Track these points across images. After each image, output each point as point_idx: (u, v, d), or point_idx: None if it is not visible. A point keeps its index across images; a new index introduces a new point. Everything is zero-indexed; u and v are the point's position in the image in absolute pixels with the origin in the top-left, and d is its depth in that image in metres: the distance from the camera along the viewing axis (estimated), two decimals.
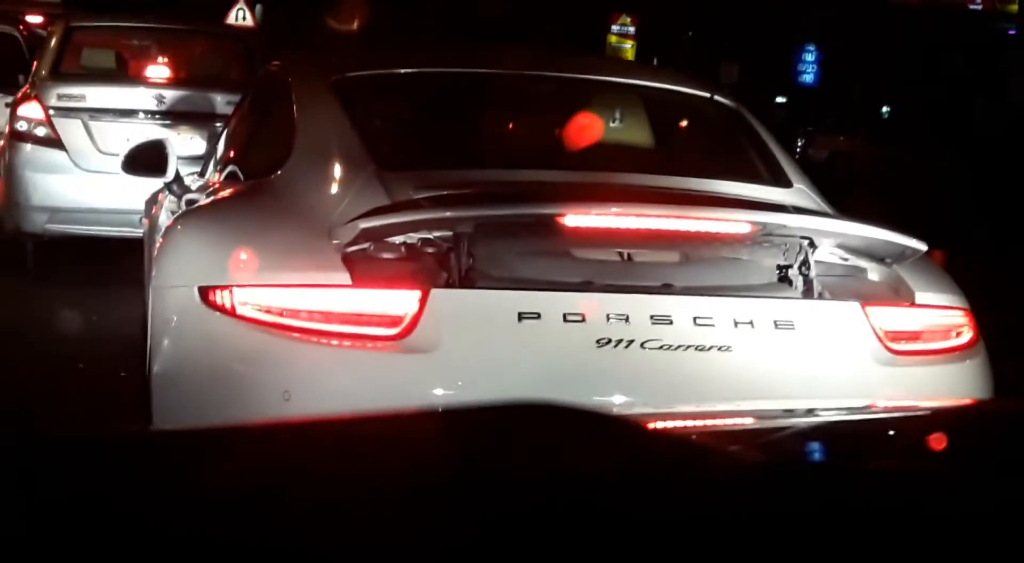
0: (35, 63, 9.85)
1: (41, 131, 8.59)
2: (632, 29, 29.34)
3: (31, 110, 8.68)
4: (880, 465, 1.50)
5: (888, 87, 21.37)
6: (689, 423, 1.89)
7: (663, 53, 26.09)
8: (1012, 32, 21.48)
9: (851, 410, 2.25)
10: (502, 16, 25.23)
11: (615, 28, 29.59)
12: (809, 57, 26.57)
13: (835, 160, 19.88)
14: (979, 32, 22.29)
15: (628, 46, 29.24)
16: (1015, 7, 23.17)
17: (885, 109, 21.77)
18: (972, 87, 20.12)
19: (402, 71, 4.68)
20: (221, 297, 3.45)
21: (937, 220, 11.45)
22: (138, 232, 6.31)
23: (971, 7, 25.10)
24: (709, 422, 1.92)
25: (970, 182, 15.95)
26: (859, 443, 1.69)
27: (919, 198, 14.92)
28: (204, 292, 3.49)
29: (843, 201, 4.30)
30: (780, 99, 24.58)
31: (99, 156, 8.41)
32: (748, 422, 1.98)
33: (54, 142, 8.55)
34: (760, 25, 26.18)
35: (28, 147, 8.60)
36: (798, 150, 20.77)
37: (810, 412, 2.13)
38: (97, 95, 8.77)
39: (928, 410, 2.22)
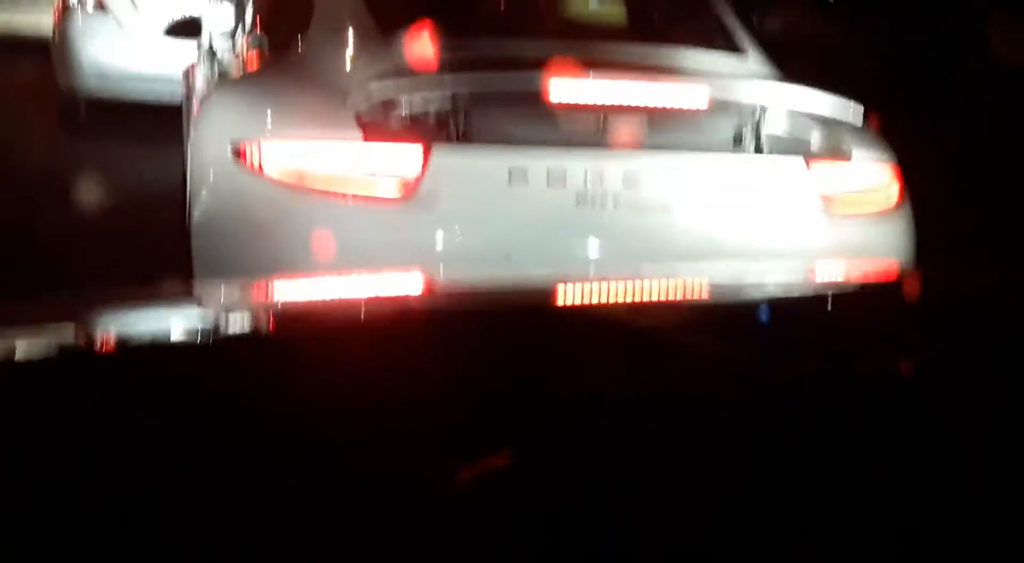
0: None
1: (90, 0, 8.50)
2: None
3: None
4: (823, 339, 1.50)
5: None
6: (658, 298, 1.86)
7: None
8: None
9: (796, 288, 2.17)
10: None
11: None
12: None
13: (787, 28, 19.65)
14: None
15: None
16: None
17: None
18: None
19: None
20: (250, 151, 3.44)
21: (870, 81, 11.37)
22: (176, 95, 6.28)
23: None
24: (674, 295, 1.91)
25: (902, 49, 15.80)
26: (803, 322, 1.67)
27: (856, 62, 14.79)
28: (235, 148, 3.49)
29: (792, 63, 4.28)
30: None
31: (142, 24, 8.33)
32: (706, 299, 1.95)
33: (102, 10, 8.46)
34: None
35: (79, 15, 8.52)
36: (754, 21, 20.47)
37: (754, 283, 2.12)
38: None
39: (858, 283, 2.19)
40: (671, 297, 1.87)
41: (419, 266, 3.29)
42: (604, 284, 2.04)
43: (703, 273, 2.37)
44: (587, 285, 2.02)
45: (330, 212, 3.36)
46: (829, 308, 1.81)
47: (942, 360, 1.33)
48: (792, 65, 4.19)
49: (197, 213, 3.70)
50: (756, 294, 1.95)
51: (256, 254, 3.44)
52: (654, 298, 1.85)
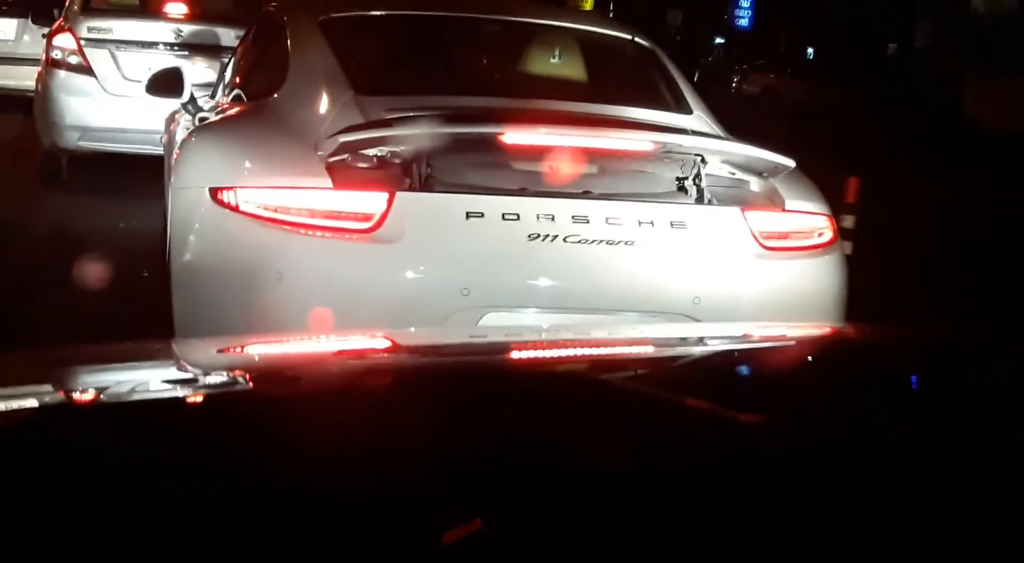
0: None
1: (74, 59, 8.68)
2: None
3: (65, 40, 8.77)
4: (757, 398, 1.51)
5: (812, 31, 21.58)
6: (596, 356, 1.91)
7: (619, 2, 25.95)
8: None
9: (732, 339, 2.22)
10: None
11: None
12: (745, 3, 26.64)
13: (766, 95, 20.07)
14: None
15: None
16: None
17: (810, 50, 21.99)
18: (885, 33, 20.36)
19: (377, 13, 4.88)
20: (227, 196, 3.65)
21: (850, 145, 11.70)
22: (157, 150, 6.53)
23: None
24: (615, 353, 1.96)
25: (880, 114, 16.19)
26: (744, 379, 1.71)
27: (836, 127, 15.19)
28: (214, 192, 3.69)
29: (772, 129, 4.53)
30: (719, 40, 24.69)
31: (124, 82, 8.58)
32: (649, 351, 2.01)
33: (85, 69, 8.66)
34: None
35: (62, 73, 8.70)
36: (734, 86, 20.92)
37: (701, 341, 2.20)
38: (122, 28, 8.87)
39: (795, 340, 2.20)
40: (633, 353, 1.93)
41: (383, 304, 3.56)
42: (573, 342, 2.13)
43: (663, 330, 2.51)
44: (552, 345, 2.12)
45: (301, 251, 3.58)
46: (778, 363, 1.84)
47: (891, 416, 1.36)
48: (771, 126, 4.45)
49: (177, 249, 3.89)
50: (715, 349, 2.03)
51: (231, 282, 3.68)
52: (616, 354, 1.92)
